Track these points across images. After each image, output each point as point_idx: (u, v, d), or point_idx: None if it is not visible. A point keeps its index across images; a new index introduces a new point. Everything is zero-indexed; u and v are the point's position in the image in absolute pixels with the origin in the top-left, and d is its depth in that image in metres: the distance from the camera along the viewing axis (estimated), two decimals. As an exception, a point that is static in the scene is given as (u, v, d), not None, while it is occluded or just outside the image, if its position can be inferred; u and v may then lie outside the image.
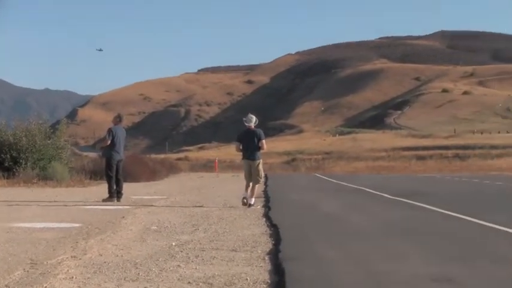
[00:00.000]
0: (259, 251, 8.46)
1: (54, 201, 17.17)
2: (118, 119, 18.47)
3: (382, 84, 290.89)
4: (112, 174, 17.64)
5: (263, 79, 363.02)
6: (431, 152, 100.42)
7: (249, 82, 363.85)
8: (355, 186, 28.98)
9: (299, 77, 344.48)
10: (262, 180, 18.40)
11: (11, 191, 21.84)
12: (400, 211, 15.30)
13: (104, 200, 17.38)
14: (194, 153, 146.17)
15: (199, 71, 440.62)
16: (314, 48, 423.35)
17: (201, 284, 6.34)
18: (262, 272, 6.99)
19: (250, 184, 16.09)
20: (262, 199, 18.82)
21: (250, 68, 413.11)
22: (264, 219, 12.80)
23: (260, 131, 16.13)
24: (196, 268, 7.17)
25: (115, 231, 10.47)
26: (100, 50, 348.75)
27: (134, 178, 30.09)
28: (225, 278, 6.58)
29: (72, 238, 9.57)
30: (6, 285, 6.18)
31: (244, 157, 16.21)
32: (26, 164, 27.78)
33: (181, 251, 8.43)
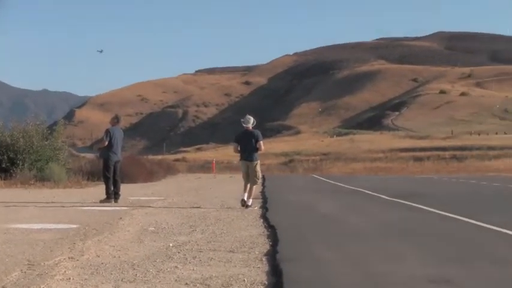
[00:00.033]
0: (257, 252, 8.45)
1: (52, 202, 17.15)
2: (115, 120, 18.46)
3: (380, 85, 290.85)
4: (109, 175, 17.63)
5: (260, 80, 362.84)
6: (428, 153, 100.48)
7: (247, 83, 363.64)
8: (353, 188, 29.00)
9: (297, 78, 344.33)
10: (260, 181, 18.40)
11: (8, 192, 21.82)
12: (397, 212, 15.30)
13: (101, 201, 17.37)
14: (192, 154, 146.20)
15: (196, 72, 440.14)
16: (311, 49, 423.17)
17: (198, 285, 6.34)
18: (259, 273, 6.99)
19: (248, 185, 16.11)
20: (260, 200, 18.82)
21: (248, 69, 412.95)
22: (262, 220, 12.80)
23: (258, 132, 16.14)
24: (193, 269, 7.17)
25: (112, 233, 10.47)
26: (101, 51, 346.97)
27: (131, 179, 30.09)
28: (222, 279, 6.58)
29: (69, 239, 9.56)
30: (3, 287, 6.17)
31: (242, 158, 16.23)
32: (23, 165, 27.76)
33: (178, 252, 8.43)
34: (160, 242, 9.49)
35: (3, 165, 27.75)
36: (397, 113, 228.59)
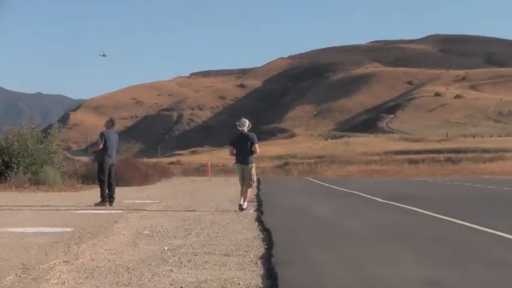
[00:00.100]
0: (252, 255, 8.46)
1: (47, 206, 17.13)
2: (110, 123, 18.45)
3: (375, 88, 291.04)
4: (104, 178, 17.63)
5: (255, 83, 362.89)
6: (423, 156, 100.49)
7: (241, 86, 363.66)
8: (348, 190, 29.00)
9: (291, 81, 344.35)
10: (255, 184, 18.39)
11: (3, 196, 21.77)
12: (392, 215, 15.33)
13: (96, 205, 17.35)
14: (186, 157, 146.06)
15: (191, 74, 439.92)
16: (306, 52, 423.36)
17: (193, 288, 6.34)
18: (254, 276, 6.99)
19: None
20: (255, 203, 18.83)
21: (243, 72, 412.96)
22: (257, 223, 12.81)
23: (253, 135, 16.15)
24: (188, 273, 7.17)
25: (107, 236, 10.46)
26: (103, 55, 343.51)
27: (126, 182, 30.05)
28: (217, 283, 6.58)
29: (64, 243, 9.55)
30: (-2, 291, 6.17)
31: (238, 161, 16.23)
32: (17, 168, 27.70)
33: (173, 256, 8.43)
34: (155, 245, 9.49)
35: (-2, 169, 27.71)
36: (392, 115, 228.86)
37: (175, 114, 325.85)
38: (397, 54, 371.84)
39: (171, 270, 7.34)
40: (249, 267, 7.58)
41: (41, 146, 28.99)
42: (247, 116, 17.92)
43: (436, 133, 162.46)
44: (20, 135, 28.40)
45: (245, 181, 16.11)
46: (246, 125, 16.12)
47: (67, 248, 8.94)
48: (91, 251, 8.78)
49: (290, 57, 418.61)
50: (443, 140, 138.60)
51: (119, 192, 19.75)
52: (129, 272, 7.17)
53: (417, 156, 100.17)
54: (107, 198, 17.57)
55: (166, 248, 9.16)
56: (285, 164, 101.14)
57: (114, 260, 8.06)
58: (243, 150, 16.04)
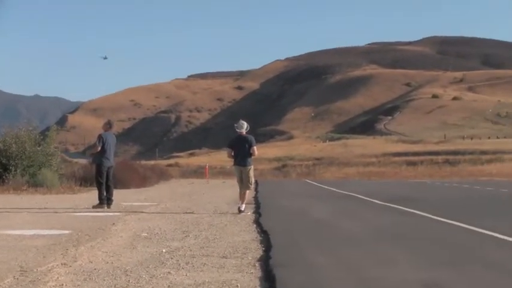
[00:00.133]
0: (250, 258, 8.45)
1: (44, 208, 17.11)
2: (108, 125, 18.45)
3: (373, 90, 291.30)
4: (102, 180, 17.62)
5: (253, 85, 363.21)
6: (421, 158, 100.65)
7: (239, 88, 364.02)
8: (346, 192, 29.00)
9: (289, 83, 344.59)
10: (253, 186, 18.40)
11: (1, 198, 21.75)
12: (390, 217, 15.32)
13: (94, 207, 17.35)
14: (184, 160, 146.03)
15: (189, 77, 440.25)
16: (303, 54, 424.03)
17: (191, 290, 6.34)
18: (252, 278, 6.99)
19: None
20: (253, 205, 18.82)
21: (240, 74, 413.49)
22: (255, 225, 12.81)
23: (251, 137, 16.17)
24: (186, 275, 7.17)
25: (105, 238, 10.45)
26: (105, 57, 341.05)
27: (124, 184, 30.04)
28: (215, 285, 6.58)
29: (62, 245, 9.54)
30: (-4, 293, 6.17)
31: (236, 163, 16.24)
32: (15, 170, 27.68)
33: (171, 258, 8.42)
34: (153, 247, 9.48)
35: (-4, 171, 27.69)
36: (389, 117, 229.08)
37: (173, 117, 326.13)
38: (394, 56, 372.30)
39: (169, 272, 7.33)
40: (247, 269, 7.57)
41: (38, 149, 28.96)
42: (245, 118, 17.94)
43: (434, 135, 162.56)
44: (17, 138, 28.37)
45: (243, 183, 16.13)
46: (244, 127, 16.13)
47: (65, 251, 8.94)
48: (89, 253, 8.77)
49: (287, 59, 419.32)
50: (441, 142, 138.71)
51: (117, 194, 19.74)
52: (127, 275, 7.17)
53: (415, 158, 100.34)
54: (105, 200, 17.56)
55: (164, 250, 9.16)
56: (283, 166, 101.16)
57: (112, 263, 8.05)
58: (241, 152, 16.05)
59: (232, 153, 16.25)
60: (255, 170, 17.52)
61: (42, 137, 29.84)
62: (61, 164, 32.13)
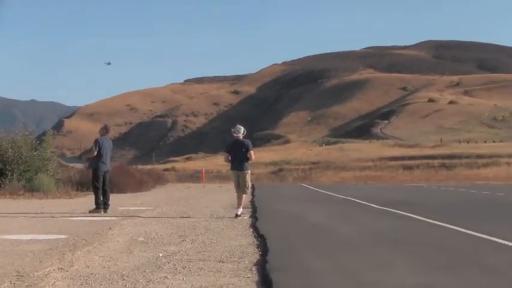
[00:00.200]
0: (247, 262, 8.45)
1: (41, 213, 17.09)
2: (104, 130, 18.46)
3: (369, 94, 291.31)
4: (99, 185, 17.62)
5: (249, 89, 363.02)
6: (418, 162, 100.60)
7: (236, 92, 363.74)
8: (342, 196, 29.02)
9: (285, 87, 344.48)
10: (249, 190, 18.41)
11: (-3, 203, 21.72)
12: (387, 221, 15.33)
13: (90, 211, 17.33)
14: (181, 164, 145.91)
15: (185, 81, 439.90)
16: (300, 59, 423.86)
17: (188, 295, 6.33)
18: (249, 282, 6.99)
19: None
20: (250, 209, 18.82)
21: (237, 78, 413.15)
22: (251, 229, 12.81)
23: (248, 142, 16.18)
24: (183, 279, 7.16)
25: (102, 243, 10.44)
26: (109, 63, 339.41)
27: (121, 189, 30.05)
28: (212, 289, 6.57)
29: (58, 250, 9.53)
30: (-8, 298, 6.15)
31: (233, 168, 16.25)
32: (12, 175, 27.64)
33: (168, 262, 8.42)
34: (149, 252, 9.47)
35: (-8, 176, 27.64)
36: (386, 121, 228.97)
37: (169, 121, 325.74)
38: (391, 60, 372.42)
39: (165, 277, 7.32)
40: (243, 273, 7.57)
41: (35, 153, 28.93)
42: (241, 123, 17.94)
43: (430, 139, 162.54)
44: (14, 142, 28.33)
45: (240, 187, 16.14)
46: (241, 131, 16.14)
47: (61, 255, 8.92)
48: (85, 258, 8.76)
49: (284, 63, 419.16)
50: (438, 146, 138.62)
51: (114, 199, 19.73)
52: (123, 279, 7.16)
53: (411, 162, 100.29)
54: (102, 205, 17.56)
55: (161, 254, 9.15)
56: (280, 170, 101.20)
57: (109, 267, 8.04)
58: (238, 156, 16.06)
59: (230, 158, 16.25)
60: (251, 174, 17.52)
61: (38, 142, 29.80)
62: (57, 169, 32.10)
